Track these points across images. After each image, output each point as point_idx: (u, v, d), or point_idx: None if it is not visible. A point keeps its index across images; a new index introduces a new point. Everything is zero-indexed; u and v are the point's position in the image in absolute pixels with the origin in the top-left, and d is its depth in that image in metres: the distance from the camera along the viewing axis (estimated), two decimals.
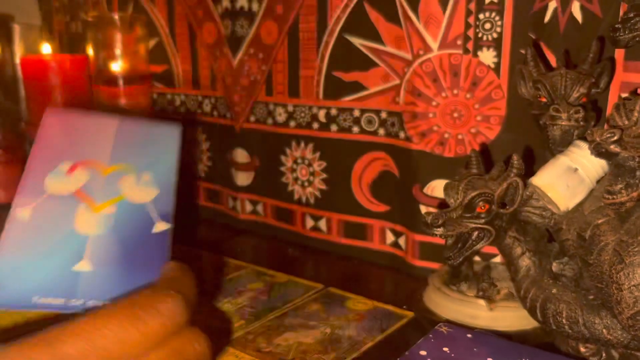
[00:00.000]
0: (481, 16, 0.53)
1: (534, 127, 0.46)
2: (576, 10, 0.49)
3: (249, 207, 0.77)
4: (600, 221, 0.37)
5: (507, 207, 0.41)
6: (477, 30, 0.54)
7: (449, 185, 0.42)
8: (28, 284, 0.33)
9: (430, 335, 0.40)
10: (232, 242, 0.74)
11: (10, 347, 0.24)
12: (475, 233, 0.41)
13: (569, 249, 0.40)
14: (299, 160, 0.70)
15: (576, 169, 0.40)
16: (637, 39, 0.41)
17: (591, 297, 0.39)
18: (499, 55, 0.54)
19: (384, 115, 0.62)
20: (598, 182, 0.40)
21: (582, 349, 0.40)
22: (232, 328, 0.49)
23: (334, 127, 0.66)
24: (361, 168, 0.65)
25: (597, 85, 0.44)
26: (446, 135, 0.57)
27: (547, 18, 0.51)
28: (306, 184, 0.70)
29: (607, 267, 0.36)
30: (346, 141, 0.65)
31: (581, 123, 0.41)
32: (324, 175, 0.68)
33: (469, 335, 0.41)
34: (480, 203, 0.40)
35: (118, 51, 0.75)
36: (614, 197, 0.36)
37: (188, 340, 0.29)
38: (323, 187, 0.68)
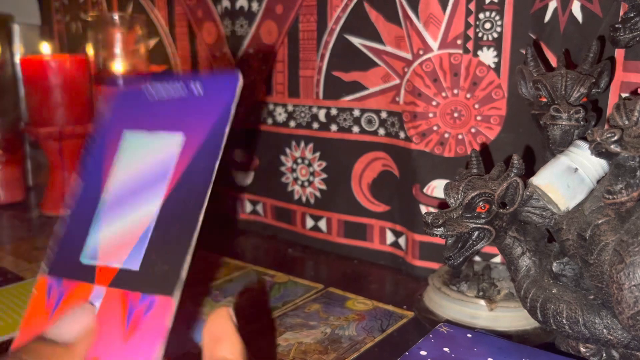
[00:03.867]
0: (481, 16, 0.53)
1: (534, 127, 0.46)
2: (576, 10, 0.49)
3: (249, 207, 0.77)
4: (600, 221, 0.37)
5: (507, 207, 0.41)
6: (477, 29, 0.54)
7: (449, 185, 0.42)
8: None
9: (430, 336, 0.40)
10: (232, 242, 0.74)
11: None
12: (476, 233, 0.40)
13: (569, 249, 0.40)
14: (299, 160, 0.70)
15: (576, 169, 0.40)
16: (638, 38, 0.41)
17: (591, 297, 0.39)
18: (499, 55, 0.54)
19: (384, 115, 0.62)
20: (598, 182, 0.40)
21: (582, 349, 0.40)
22: None
23: (333, 127, 0.66)
24: (361, 168, 0.65)
25: (597, 85, 0.44)
26: (446, 135, 0.57)
27: (547, 18, 0.51)
28: (306, 184, 0.70)
29: (607, 267, 0.36)
30: (346, 141, 0.65)
31: (581, 123, 0.41)
32: (324, 175, 0.68)
33: (469, 336, 0.41)
34: (481, 203, 0.40)
35: (118, 51, 0.75)
36: (614, 197, 0.36)
37: None
38: (323, 187, 0.68)
